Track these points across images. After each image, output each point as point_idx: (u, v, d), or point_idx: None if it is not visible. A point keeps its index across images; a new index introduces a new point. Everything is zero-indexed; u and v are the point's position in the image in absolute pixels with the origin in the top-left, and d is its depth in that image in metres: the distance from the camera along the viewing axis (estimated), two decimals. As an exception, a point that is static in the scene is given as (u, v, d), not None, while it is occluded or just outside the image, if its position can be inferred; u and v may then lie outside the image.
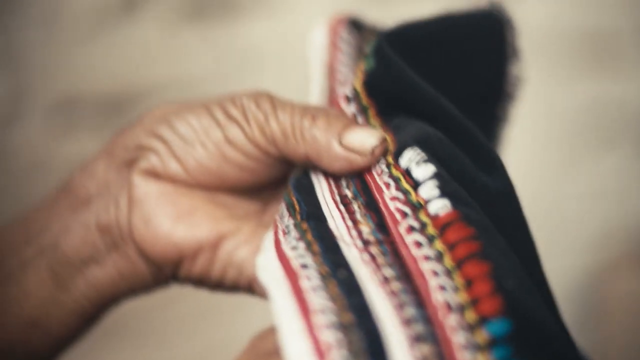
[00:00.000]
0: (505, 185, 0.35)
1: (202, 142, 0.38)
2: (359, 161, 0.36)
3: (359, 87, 0.39)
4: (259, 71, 0.81)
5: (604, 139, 1.03)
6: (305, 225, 0.33)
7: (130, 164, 0.39)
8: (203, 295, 0.47)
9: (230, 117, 0.38)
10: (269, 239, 0.35)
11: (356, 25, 0.43)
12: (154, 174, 0.39)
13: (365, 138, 0.36)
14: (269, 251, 0.33)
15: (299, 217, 0.34)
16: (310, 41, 0.44)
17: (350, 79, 0.40)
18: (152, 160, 0.38)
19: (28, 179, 0.75)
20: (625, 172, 1.04)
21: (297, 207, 0.35)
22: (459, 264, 0.29)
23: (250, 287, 0.38)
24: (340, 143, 0.36)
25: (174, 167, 0.38)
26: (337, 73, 0.42)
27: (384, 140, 0.36)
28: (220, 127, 0.38)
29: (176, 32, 0.78)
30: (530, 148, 1.00)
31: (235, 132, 0.38)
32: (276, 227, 0.35)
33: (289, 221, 0.35)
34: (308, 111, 0.37)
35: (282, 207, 0.36)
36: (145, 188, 0.38)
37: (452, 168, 0.34)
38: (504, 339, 0.27)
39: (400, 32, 0.42)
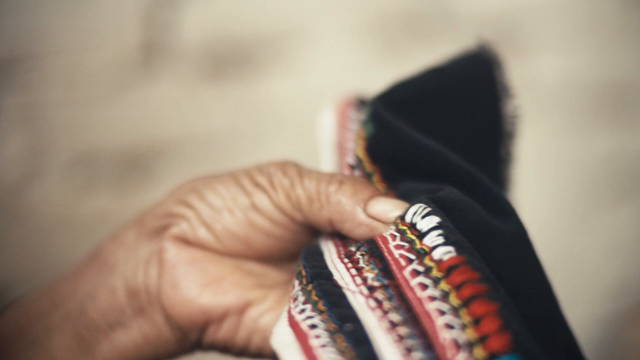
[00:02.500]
0: (518, 230, 0.35)
1: (230, 209, 0.39)
2: (381, 229, 0.36)
3: (361, 154, 0.39)
4: (276, 128, 0.82)
5: (621, 190, 1.03)
6: (310, 287, 0.34)
7: (161, 230, 0.39)
8: None
9: (257, 184, 0.38)
10: (284, 310, 0.35)
11: (364, 104, 0.43)
12: (185, 240, 0.39)
13: (391, 209, 0.36)
14: (282, 320, 0.34)
15: (304, 281, 0.35)
16: (319, 123, 0.45)
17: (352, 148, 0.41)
18: (182, 227, 0.39)
19: (48, 236, 0.75)
20: (641, 223, 1.04)
21: (303, 272, 0.35)
22: (466, 302, 0.29)
23: (275, 355, 0.38)
24: (365, 210, 0.36)
25: (203, 233, 0.39)
26: (347, 150, 0.42)
27: None
28: (247, 194, 0.38)
29: (194, 90, 0.79)
30: (548, 198, 1.00)
31: (261, 199, 0.38)
32: (289, 298, 0.36)
33: (297, 288, 0.35)
34: (335, 177, 0.38)
35: (294, 279, 0.37)
36: (175, 253, 0.39)
37: (466, 219, 0.34)
38: None
39: (392, 92, 0.42)
